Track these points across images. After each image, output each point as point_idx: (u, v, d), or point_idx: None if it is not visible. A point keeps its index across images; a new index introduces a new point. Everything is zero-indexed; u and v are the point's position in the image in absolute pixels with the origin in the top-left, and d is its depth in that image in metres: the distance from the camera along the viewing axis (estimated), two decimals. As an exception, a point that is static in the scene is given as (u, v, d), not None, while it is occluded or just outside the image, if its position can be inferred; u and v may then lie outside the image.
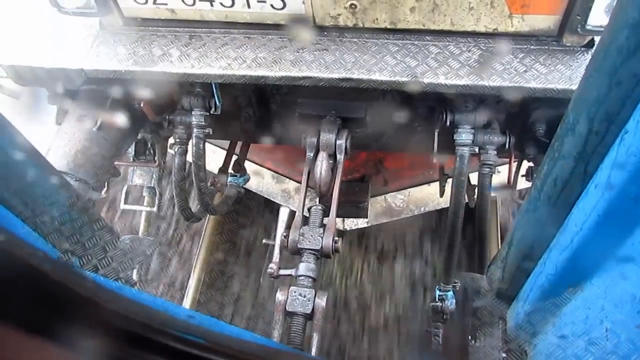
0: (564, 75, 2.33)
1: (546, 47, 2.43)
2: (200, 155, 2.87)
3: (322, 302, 2.24)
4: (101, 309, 0.67)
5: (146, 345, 0.68)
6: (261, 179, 4.14)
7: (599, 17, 2.22)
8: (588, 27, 2.26)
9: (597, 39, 2.37)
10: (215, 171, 3.62)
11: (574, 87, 2.28)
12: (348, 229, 4.09)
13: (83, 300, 0.66)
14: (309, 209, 2.58)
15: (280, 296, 2.26)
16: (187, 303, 4.18)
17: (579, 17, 2.25)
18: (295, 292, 2.26)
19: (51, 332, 0.64)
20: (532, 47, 2.43)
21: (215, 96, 2.78)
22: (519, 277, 1.65)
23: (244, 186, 3.81)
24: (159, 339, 0.69)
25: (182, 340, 0.70)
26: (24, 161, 1.85)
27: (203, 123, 2.79)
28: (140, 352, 0.67)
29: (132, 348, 0.67)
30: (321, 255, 2.41)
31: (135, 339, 0.68)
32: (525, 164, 3.01)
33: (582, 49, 2.41)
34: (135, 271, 2.41)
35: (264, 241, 2.64)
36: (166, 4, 2.49)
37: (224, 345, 0.71)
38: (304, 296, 2.25)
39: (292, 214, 2.52)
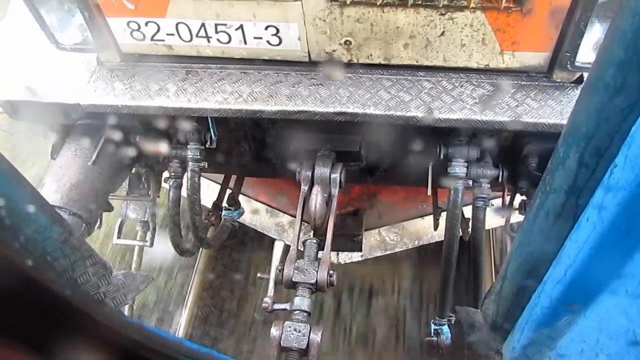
0: (555, 110, 2.37)
1: (537, 83, 2.47)
2: (195, 189, 2.88)
3: (317, 337, 2.22)
4: (108, 330, 0.67)
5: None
6: (255, 213, 4.14)
7: (587, 54, 2.27)
8: (577, 64, 2.31)
9: (586, 75, 2.42)
10: (209, 205, 3.62)
11: (565, 121, 2.30)
12: (342, 263, 4.08)
13: (95, 323, 0.66)
14: (303, 243, 2.57)
15: (274, 331, 2.24)
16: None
17: (568, 54, 2.30)
18: (290, 327, 2.24)
19: (62, 354, 0.64)
20: (523, 82, 2.48)
21: (211, 130, 2.80)
22: (514, 310, 1.65)
23: (238, 220, 3.81)
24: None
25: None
26: (16, 195, 1.85)
27: (198, 157, 2.81)
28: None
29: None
30: (316, 289, 2.39)
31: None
32: (519, 197, 3.03)
33: (572, 84, 2.45)
34: (127, 307, 2.38)
35: (258, 275, 2.63)
36: (163, 40, 2.53)
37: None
38: (299, 331, 2.23)
39: (286, 247, 2.51)
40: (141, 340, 0.74)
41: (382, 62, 2.52)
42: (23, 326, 0.65)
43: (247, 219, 4.06)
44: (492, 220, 3.54)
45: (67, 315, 0.68)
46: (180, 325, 4.22)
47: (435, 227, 3.54)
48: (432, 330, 3.09)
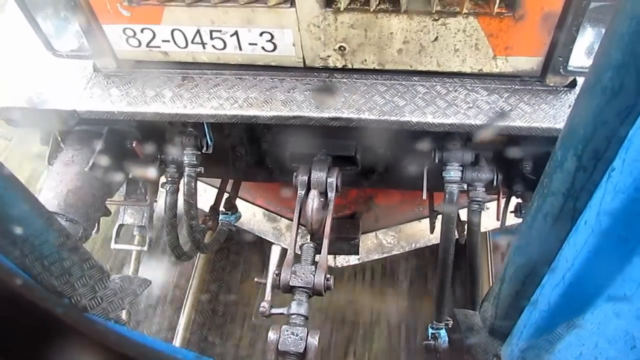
0: (548, 114, 2.39)
1: (530, 87, 2.49)
2: (192, 194, 2.88)
3: (314, 341, 2.22)
4: (102, 349, 0.67)
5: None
6: (252, 217, 4.14)
7: (580, 58, 2.29)
8: (570, 68, 2.33)
9: (578, 79, 2.44)
10: (207, 209, 3.62)
11: (558, 125, 2.34)
12: (339, 266, 4.08)
13: (88, 342, 0.66)
14: (300, 247, 2.58)
15: (272, 335, 2.24)
16: (177, 343, 4.11)
17: (560, 59, 2.32)
18: (287, 331, 2.24)
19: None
20: (516, 87, 2.49)
21: (207, 135, 2.80)
22: (512, 313, 1.65)
23: (235, 224, 3.80)
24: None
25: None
26: (13, 200, 1.84)
27: (195, 162, 2.81)
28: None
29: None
30: (313, 293, 2.39)
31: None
32: (514, 200, 3.04)
33: (565, 88, 2.47)
34: (124, 311, 2.36)
35: (255, 279, 2.62)
36: (159, 47, 2.53)
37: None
38: (297, 335, 2.23)
39: (283, 251, 2.52)
40: (138, 357, 0.73)
41: (377, 67, 2.53)
42: (13, 345, 0.64)
43: (244, 223, 4.06)
44: (488, 222, 3.55)
45: (58, 334, 0.68)
46: (178, 330, 4.21)
47: (432, 230, 3.55)
48: (430, 334, 3.10)
